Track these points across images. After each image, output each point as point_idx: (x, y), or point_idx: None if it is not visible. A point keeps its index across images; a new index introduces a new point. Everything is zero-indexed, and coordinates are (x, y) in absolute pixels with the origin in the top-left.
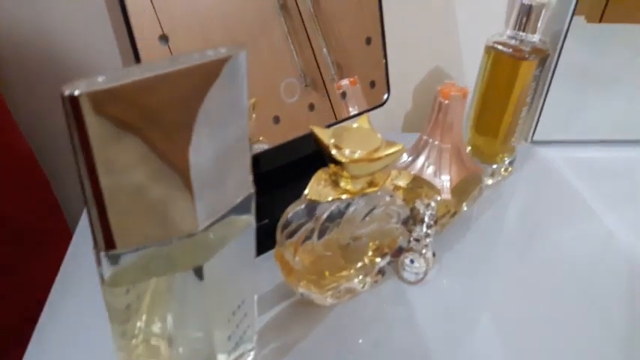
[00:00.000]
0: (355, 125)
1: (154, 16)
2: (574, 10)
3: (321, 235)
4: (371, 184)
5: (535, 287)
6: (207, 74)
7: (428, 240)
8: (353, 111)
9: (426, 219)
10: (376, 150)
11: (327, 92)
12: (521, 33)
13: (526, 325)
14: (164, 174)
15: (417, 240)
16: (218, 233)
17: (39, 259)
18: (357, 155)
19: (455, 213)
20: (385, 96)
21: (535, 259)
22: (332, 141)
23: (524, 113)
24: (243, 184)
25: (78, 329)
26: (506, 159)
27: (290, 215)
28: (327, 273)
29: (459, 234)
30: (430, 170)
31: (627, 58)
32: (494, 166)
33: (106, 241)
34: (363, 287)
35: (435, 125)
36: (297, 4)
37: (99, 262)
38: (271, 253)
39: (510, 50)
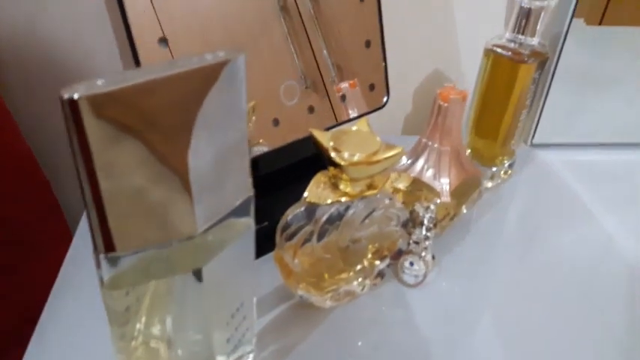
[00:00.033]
0: (354, 128)
1: (154, 19)
2: (573, 12)
3: (320, 237)
4: (370, 186)
5: (534, 290)
6: (206, 78)
7: (427, 243)
8: (352, 113)
9: (426, 222)
10: (375, 153)
11: (327, 94)
12: (520, 36)
13: (525, 328)
14: (163, 177)
15: (417, 242)
16: (217, 236)
17: (39, 260)
18: (356, 158)
19: (454, 216)
20: (385, 99)
21: (534, 262)
22: (331, 144)
23: (523, 116)
24: (242, 187)
25: (78, 331)
26: (505, 162)
27: (289, 218)
28: (326, 275)
29: (459, 237)
30: (429, 173)
31: (627, 61)
32: (494, 169)
33: (106, 243)
34: (363, 290)
35: (435, 128)
36: (297, 5)
37: (98, 265)
38: (271, 255)
39: (509, 53)
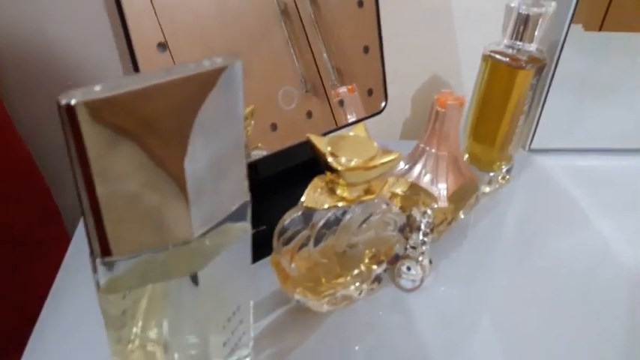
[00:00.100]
0: (352, 133)
1: (153, 23)
2: (571, 18)
3: (317, 242)
4: (367, 191)
5: (532, 295)
6: (203, 84)
7: (424, 247)
8: (351, 118)
9: (423, 226)
10: (372, 158)
11: (327, 98)
12: (518, 42)
13: (523, 332)
14: (160, 182)
15: (414, 247)
16: (214, 240)
17: (38, 262)
18: (353, 163)
19: (452, 220)
20: (383, 104)
21: (532, 267)
22: (328, 149)
23: (521, 122)
24: (238, 192)
25: (75, 334)
26: (503, 167)
27: (287, 222)
28: (323, 280)
29: (456, 242)
30: (427, 178)
31: (625, 67)
32: (492, 174)
33: (102, 248)
34: (360, 294)
35: (432, 133)
36: (297, 9)
37: (95, 269)
38: (268, 259)
39: (507, 59)
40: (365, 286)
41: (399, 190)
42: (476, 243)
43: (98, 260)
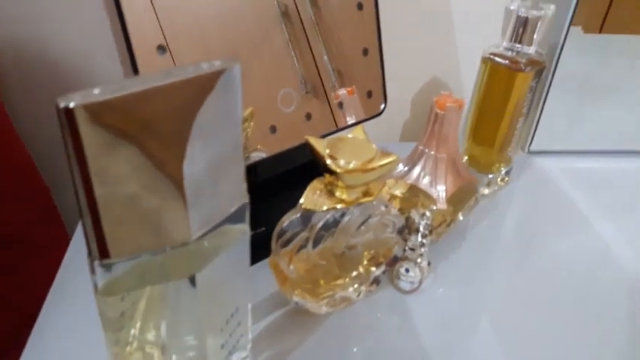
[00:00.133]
0: (350, 136)
1: (153, 25)
2: (571, 21)
3: (315, 244)
4: (366, 193)
5: (531, 297)
6: (201, 87)
7: (423, 249)
8: (350, 120)
9: (421, 228)
10: (371, 160)
11: (327, 99)
12: (517, 45)
13: (522, 334)
14: (158, 184)
15: (412, 249)
16: (212, 242)
17: (37, 262)
18: (351, 166)
19: (451, 222)
20: (382, 106)
21: (531, 269)
22: (327, 151)
23: (520, 124)
24: (237, 194)
25: (73, 336)
26: (502, 169)
27: (285, 224)
28: (322, 282)
29: (455, 243)
30: (426, 180)
31: (625, 69)
32: (491, 176)
33: (100, 250)
34: (358, 296)
35: (431, 136)
36: (298, 11)
37: (93, 271)
38: (266, 261)
39: (507, 62)
40: (363, 287)
41: (398, 192)
42: (475, 245)
43: (96, 262)
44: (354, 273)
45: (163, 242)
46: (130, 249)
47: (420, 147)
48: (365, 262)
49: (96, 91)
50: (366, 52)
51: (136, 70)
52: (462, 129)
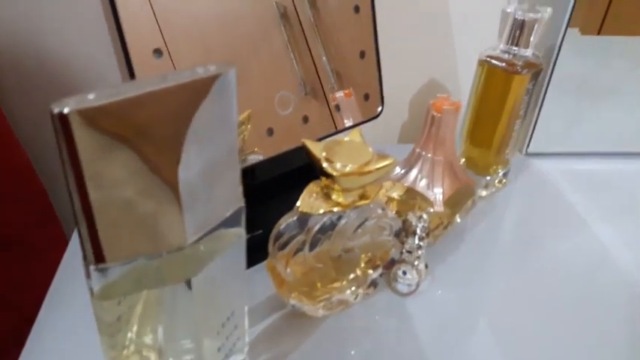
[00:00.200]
0: (347, 139)
1: (149, 28)
2: (568, 23)
3: (312, 247)
4: (362, 196)
5: (530, 299)
6: (196, 91)
7: (420, 252)
8: (347, 123)
9: (418, 231)
10: (367, 164)
11: (326, 101)
12: (514, 47)
13: (521, 336)
14: (153, 189)
15: (410, 252)
16: (208, 246)
17: (36, 263)
18: (348, 169)
19: (448, 225)
20: (379, 108)
21: (529, 271)
22: (323, 154)
23: (517, 126)
24: (232, 198)
25: (74, 334)
26: (500, 171)
27: (282, 227)
28: (318, 284)
29: (453, 246)
30: (423, 183)
31: (623, 70)
32: (488, 178)
33: (96, 254)
34: (356, 299)
35: (428, 138)
36: (297, 13)
37: (88, 275)
38: (264, 264)
39: (503, 64)
40: (361, 290)
41: (395, 195)
42: (472, 247)
43: (92, 267)
44: (352, 276)
45: (159, 247)
46: (125, 253)
47: (417, 149)
48: (362, 265)
49: (90, 96)
50: (363, 54)
51: (132, 75)
52: (459, 131)
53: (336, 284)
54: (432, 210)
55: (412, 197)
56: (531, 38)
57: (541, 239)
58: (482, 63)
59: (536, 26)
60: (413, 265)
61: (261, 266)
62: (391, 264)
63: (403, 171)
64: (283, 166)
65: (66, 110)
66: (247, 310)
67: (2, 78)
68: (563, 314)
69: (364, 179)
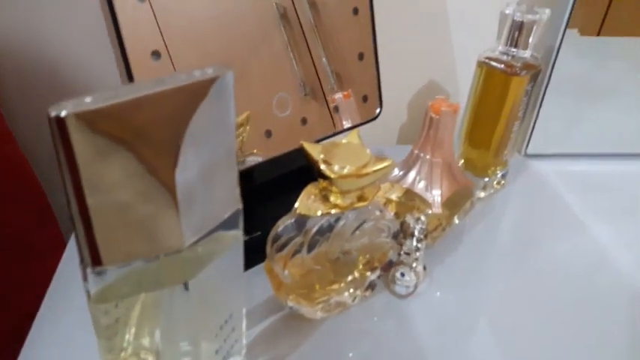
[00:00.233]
0: (345, 141)
1: (148, 30)
2: (567, 24)
3: (310, 248)
4: (360, 198)
5: (528, 300)
6: (194, 94)
7: (418, 254)
8: (346, 124)
9: (416, 233)
10: (365, 166)
11: (326, 102)
12: (512, 49)
13: (519, 338)
14: (151, 191)
15: (408, 254)
16: (206, 249)
17: (35, 263)
18: (345, 171)
19: (446, 226)
20: (377, 110)
21: (528, 272)
22: (321, 156)
23: (516, 127)
24: (230, 200)
25: (73, 334)
26: (498, 172)
27: (280, 229)
28: (317, 286)
29: (451, 247)
30: (421, 185)
31: (621, 71)
32: (487, 180)
33: (93, 257)
34: (354, 301)
35: (426, 140)
36: (297, 14)
37: (85, 278)
38: (262, 266)
39: (502, 66)
40: (359, 292)
41: (393, 196)
42: (471, 248)
43: (88, 269)
44: (350, 278)
45: (156, 249)
46: (122, 256)
47: (416, 151)
48: (360, 267)
49: (88, 99)
50: (362, 56)
51: (130, 76)
52: (457, 132)
53: (335, 286)
54: (430, 212)
55: (410, 199)
56: (530, 39)
57: (540, 240)
58: (480, 64)
59: (534, 27)
60: (411, 267)
61: (259, 268)
62: (389, 266)
63: (401, 173)
64: (282, 167)
65: (63, 113)
66: (245, 312)
67: (2, 79)
68: (562, 315)
69: (362, 181)
